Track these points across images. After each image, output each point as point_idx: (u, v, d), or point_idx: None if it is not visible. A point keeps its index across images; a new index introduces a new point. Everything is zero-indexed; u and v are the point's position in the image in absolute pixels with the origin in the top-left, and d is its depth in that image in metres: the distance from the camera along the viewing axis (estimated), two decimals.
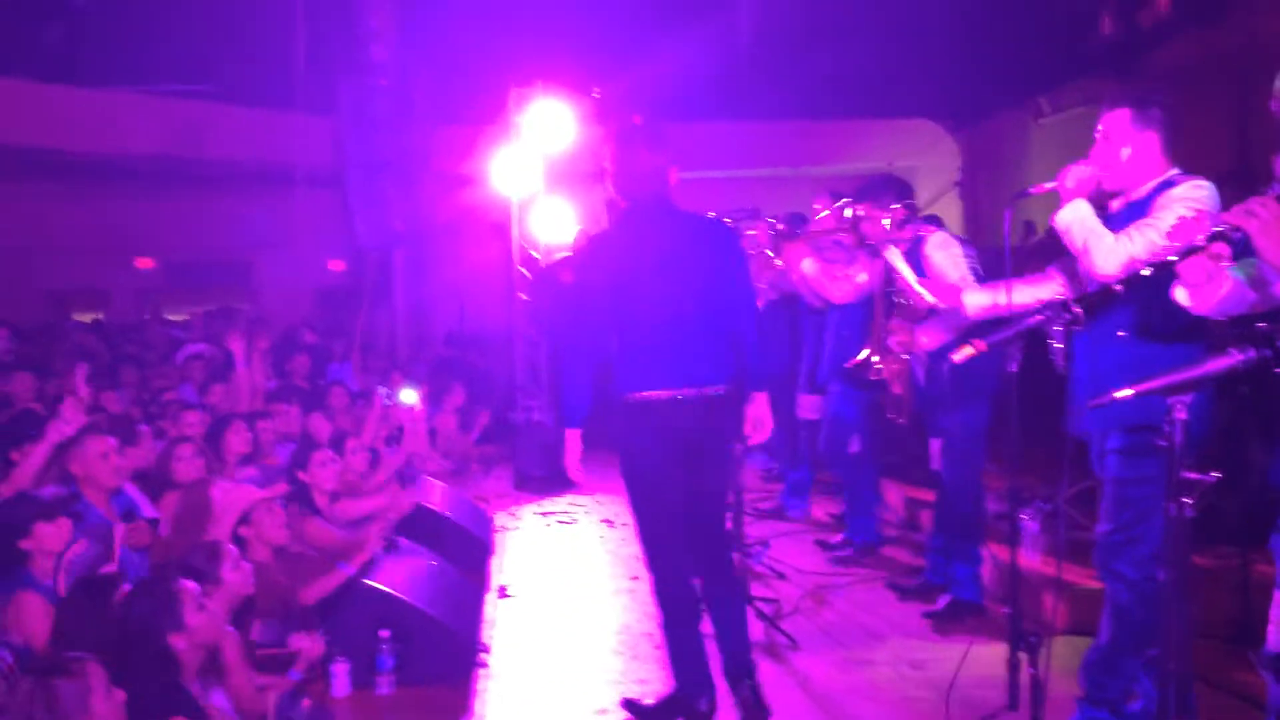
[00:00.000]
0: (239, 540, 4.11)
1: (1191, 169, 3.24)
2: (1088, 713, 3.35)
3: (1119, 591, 3.22)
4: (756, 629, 4.60)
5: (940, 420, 4.86)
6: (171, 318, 11.34)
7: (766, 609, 4.73)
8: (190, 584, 3.16)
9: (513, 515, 6.88)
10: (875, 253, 4.81)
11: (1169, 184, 3.14)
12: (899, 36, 10.70)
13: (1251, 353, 1.83)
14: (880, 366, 4.84)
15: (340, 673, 4.06)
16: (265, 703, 3.48)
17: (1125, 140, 3.19)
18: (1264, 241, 2.34)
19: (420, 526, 5.26)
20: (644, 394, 3.60)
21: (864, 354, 4.91)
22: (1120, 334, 3.13)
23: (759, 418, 3.77)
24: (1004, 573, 3.82)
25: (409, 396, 6.78)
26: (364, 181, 10.08)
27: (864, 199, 4.79)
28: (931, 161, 13.75)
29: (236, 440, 5.19)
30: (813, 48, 10.79)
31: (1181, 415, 1.93)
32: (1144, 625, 3.21)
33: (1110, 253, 3.07)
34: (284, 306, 12.11)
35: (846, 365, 5.05)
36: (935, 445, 5.03)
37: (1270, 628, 2.54)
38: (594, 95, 9.87)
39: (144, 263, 14.26)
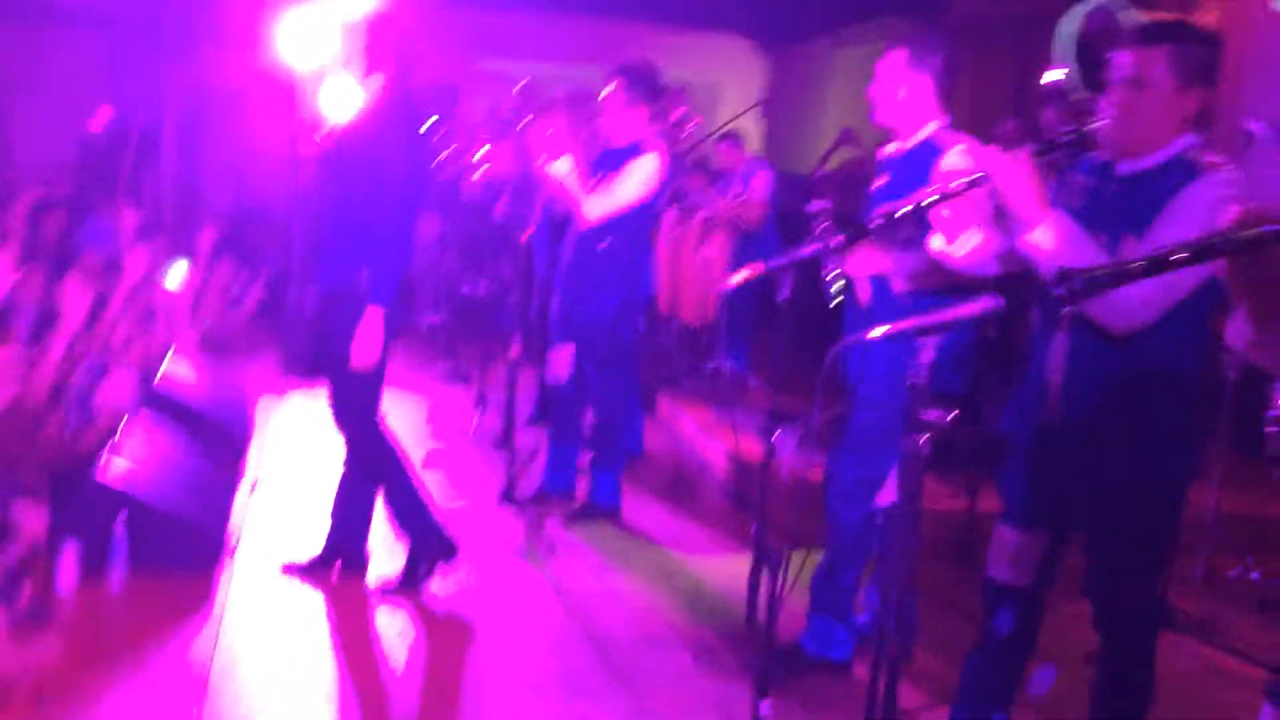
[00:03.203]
0: None
1: (979, 120, 3.35)
2: (816, 623, 3.55)
3: (836, 507, 3.41)
4: (519, 534, 4.64)
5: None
6: None
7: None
8: None
9: (277, 398, 6.61)
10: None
11: (936, 149, 3.21)
12: None
13: (1000, 300, 1.90)
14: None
15: (68, 563, 3.82)
16: None
17: (900, 80, 3.27)
18: (1009, 191, 2.40)
19: (172, 409, 4.96)
20: None
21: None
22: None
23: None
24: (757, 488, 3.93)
25: (176, 273, 6.32)
26: (135, 31, 9.22)
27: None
28: (738, 79, 13.86)
29: None
30: None
31: (929, 356, 2.00)
32: (858, 539, 3.42)
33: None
34: (41, 155, 11.05)
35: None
36: (561, 354, 4.90)
37: (990, 555, 2.73)
38: None
39: None
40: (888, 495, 3.36)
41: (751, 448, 5.19)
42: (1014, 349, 4.81)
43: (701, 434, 6.00)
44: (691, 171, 8.15)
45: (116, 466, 3.96)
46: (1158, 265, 1.77)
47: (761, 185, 7.58)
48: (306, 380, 7.12)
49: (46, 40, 10.44)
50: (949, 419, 1.83)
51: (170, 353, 5.57)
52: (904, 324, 1.98)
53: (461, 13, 10.79)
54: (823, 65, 12.82)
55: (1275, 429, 3.94)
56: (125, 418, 4.39)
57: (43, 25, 10.34)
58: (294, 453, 5.58)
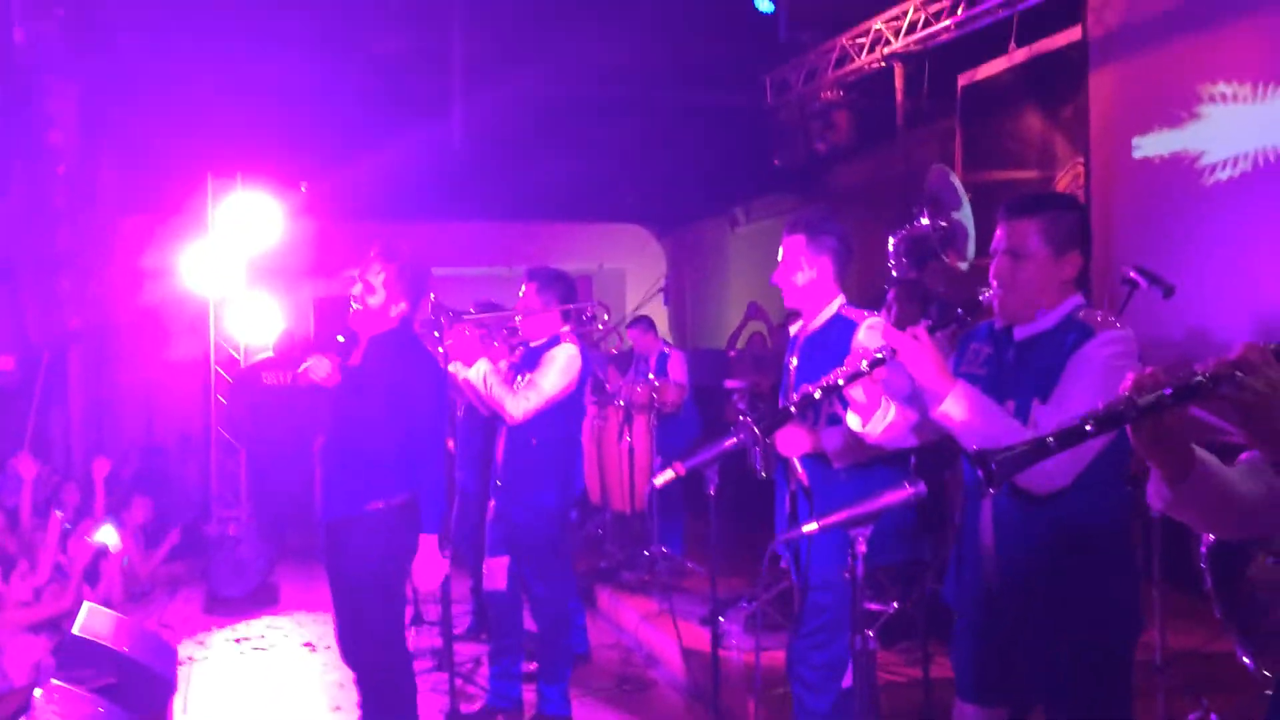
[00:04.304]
0: None
1: (866, 276, 3.47)
2: None
3: (802, 695, 3.31)
4: None
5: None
6: None
7: None
8: None
9: (201, 644, 6.30)
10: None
11: (848, 324, 3.33)
12: (607, 146, 11.12)
13: (922, 486, 1.94)
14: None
15: None
16: None
17: (801, 264, 3.38)
18: (913, 366, 2.51)
19: (88, 667, 4.70)
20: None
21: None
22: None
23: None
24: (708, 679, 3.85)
25: (108, 536, 6.09)
26: (37, 276, 9.22)
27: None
28: (640, 265, 14.30)
29: None
30: (527, 154, 10.97)
31: (862, 549, 2.01)
32: None
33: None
34: None
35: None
36: (498, 564, 4.75)
37: None
38: (300, 190, 9.54)
39: None
40: (850, 678, 3.30)
41: (698, 635, 5.10)
42: (943, 510, 4.87)
43: (645, 624, 5.88)
44: (607, 361, 8.28)
45: None
46: (1069, 438, 1.82)
47: (676, 367, 7.72)
48: (232, 618, 6.85)
49: None
50: (892, 609, 1.82)
51: (86, 605, 5.32)
52: (834, 517, 2.00)
53: (367, 224, 11.03)
54: (718, 244, 13.30)
55: (1207, 567, 3.98)
56: (42, 679, 4.15)
57: None
58: (223, 699, 5.31)
